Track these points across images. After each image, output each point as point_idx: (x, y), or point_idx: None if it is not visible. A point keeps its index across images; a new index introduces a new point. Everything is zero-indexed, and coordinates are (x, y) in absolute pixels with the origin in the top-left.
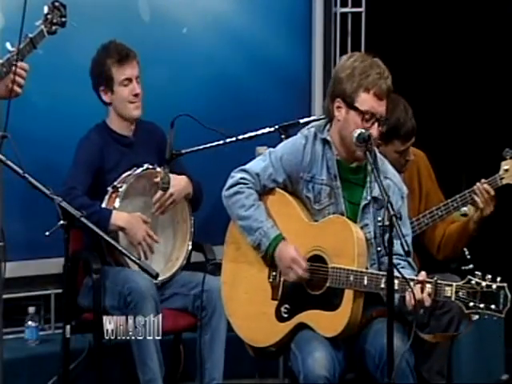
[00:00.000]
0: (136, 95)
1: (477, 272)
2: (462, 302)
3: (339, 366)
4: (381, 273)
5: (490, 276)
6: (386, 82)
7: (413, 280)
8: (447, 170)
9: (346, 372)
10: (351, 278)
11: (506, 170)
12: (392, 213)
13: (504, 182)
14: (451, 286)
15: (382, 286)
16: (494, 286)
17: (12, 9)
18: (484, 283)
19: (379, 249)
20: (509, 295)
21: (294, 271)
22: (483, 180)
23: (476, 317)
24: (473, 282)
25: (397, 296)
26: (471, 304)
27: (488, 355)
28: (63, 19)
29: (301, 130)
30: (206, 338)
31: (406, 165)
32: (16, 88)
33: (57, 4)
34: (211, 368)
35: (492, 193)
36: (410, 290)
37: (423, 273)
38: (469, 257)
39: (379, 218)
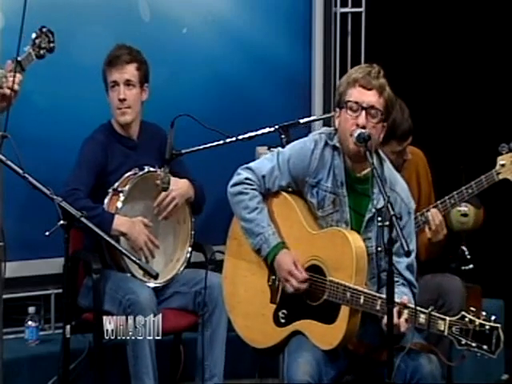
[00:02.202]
0: (120, 100)
1: (472, 308)
2: (455, 338)
3: (333, 370)
4: (377, 295)
5: (484, 313)
6: (374, 77)
7: (397, 303)
8: (445, 168)
9: (348, 372)
10: (348, 295)
11: (503, 165)
12: (392, 213)
13: (501, 177)
14: (445, 320)
15: (378, 308)
16: (488, 327)
17: (12, 9)
18: (478, 321)
19: (379, 249)
20: (502, 337)
21: (291, 284)
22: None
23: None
24: (466, 319)
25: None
26: (463, 341)
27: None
28: (51, 45)
29: (312, 133)
30: (206, 335)
31: (404, 164)
32: (6, 91)
33: (44, 30)
34: (211, 364)
35: (440, 218)
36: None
37: (405, 297)
38: (469, 257)
39: (379, 218)
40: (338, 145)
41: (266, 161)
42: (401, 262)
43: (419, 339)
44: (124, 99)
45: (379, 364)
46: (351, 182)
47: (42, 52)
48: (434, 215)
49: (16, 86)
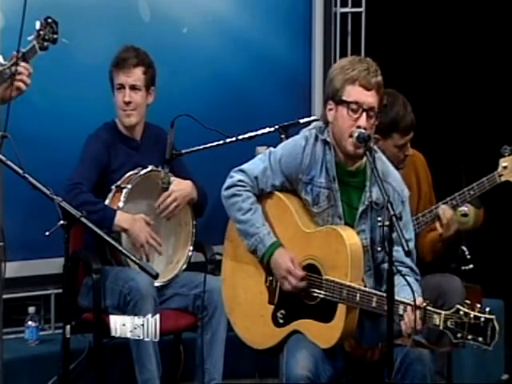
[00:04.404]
0: (125, 103)
1: (466, 301)
2: (451, 331)
3: (331, 368)
4: (373, 291)
5: (479, 305)
6: (373, 76)
7: (403, 303)
8: (446, 169)
9: (345, 373)
10: (344, 293)
11: (505, 167)
12: (392, 213)
13: (503, 179)
14: (440, 314)
15: (374, 305)
16: (483, 319)
17: (12, 9)
18: (472, 314)
19: (379, 249)
20: (497, 328)
21: (289, 282)
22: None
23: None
24: (461, 312)
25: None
26: (459, 335)
27: (488, 355)
28: (55, 36)
29: (302, 130)
30: (206, 338)
31: (405, 160)
32: (20, 84)
33: (49, 20)
34: (211, 368)
35: (451, 213)
36: (406, 313)
37: (420, 299)
38: (469, 257)
39: (379, 218)
40: (328, 139)
41: (258, 161)
42: (400, 250)
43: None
44: (129, 102)
45: (374, 364)
46: (342, 176)
47: (45, 44)
48: (445, 210)
49: (28, 80)
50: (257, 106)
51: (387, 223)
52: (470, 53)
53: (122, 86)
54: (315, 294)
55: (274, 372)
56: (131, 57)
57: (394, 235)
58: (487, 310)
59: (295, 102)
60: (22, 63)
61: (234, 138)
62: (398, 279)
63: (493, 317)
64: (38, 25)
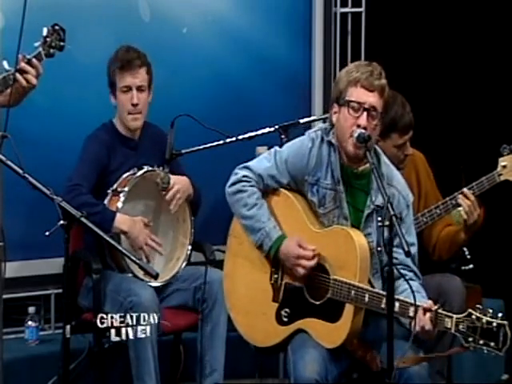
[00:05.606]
0: (133, 105)
1: (478, 305)
2: (462, 335)
3: (336, 369)
4: (382, 292)
5: (491, 310)
6: (376, 78)
7: (413, 305)
8: (446, 168)
9: (349, 372)
10: (352, 293)
11: (504, 167)
12: (392, 213)
13: (502, 178)
14: (451, 317)
15: (383, 306)
16: (495, 324)
17: (12, 9)
18: (484, 319)
19: (379, 248)
20: (509, 333)
21: (302, 266)
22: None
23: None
24: (473, 316)
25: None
26: (470, 339)
27: (488, 355)
28: (61, 43)
29: (308, 132)
30: (206, 330)
31: (405, 160)
32: (21, 80)
33: (57, 28)
34: (212, 359)
35: (472, 198)
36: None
37: (430, 302)
38: (469, 257)
39: (379, 219)
40: (333, 141)
41: (263, 160)
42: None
43: (411, 353)
44: (137, 104)
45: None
46: (347, 178)
47: (51, 51)
48: (465, 197)
49: (33, 80)
50: (257, 106)
51: (387, 223)
52: (469, 53)
53: (129, 88)
54: (322, 294)
55: (274, 372)
56: (135, 58)
57: (397, 240)
58: (499, 315)
59: (295, 101)
60: (34, 60)
61: (234, 138)
62: (410, 283)
63: (505, 322)
64: (44, 31)
